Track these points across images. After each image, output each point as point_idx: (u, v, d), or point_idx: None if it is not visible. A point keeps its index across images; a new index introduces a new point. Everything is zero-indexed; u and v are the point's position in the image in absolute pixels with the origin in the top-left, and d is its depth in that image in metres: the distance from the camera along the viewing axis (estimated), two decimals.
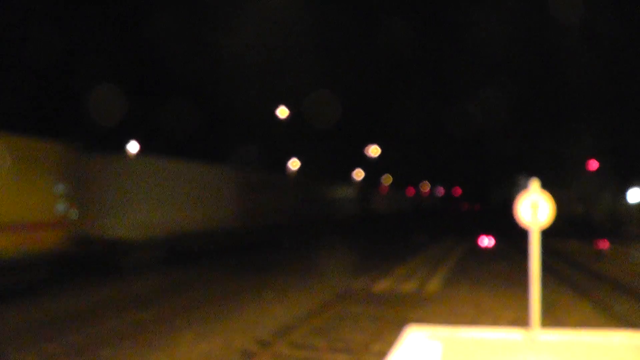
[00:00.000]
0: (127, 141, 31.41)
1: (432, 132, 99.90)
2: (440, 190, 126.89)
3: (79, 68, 30.92)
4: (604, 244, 29.08)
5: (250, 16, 41.30)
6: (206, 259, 23.43)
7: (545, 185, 5.61)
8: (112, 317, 12.47)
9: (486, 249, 28.21)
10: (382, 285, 16.80)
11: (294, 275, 19.08)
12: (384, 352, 8.36)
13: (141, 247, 20.66)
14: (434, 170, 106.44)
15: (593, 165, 42.76)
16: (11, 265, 15.10)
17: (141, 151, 30.10)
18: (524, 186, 5.70)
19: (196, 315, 12.73)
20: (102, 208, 19.62)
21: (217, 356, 9.50)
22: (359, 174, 62.75)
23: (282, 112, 41.03)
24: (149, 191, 21.16)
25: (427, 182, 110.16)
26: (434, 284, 16.76)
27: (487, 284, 16.69)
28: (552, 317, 11.36)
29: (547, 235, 5.75)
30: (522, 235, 6.10)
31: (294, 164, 45.72)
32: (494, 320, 11.58)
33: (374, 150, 63.29)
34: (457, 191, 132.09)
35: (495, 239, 30.47)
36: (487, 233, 31.78)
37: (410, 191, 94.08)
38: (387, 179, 79.15)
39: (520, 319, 10.90)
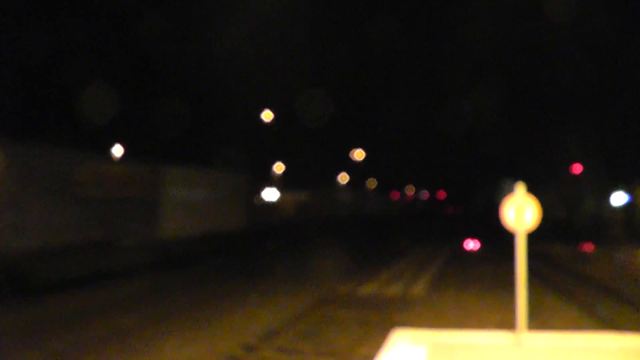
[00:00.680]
0: (112, 143, 31.22)
1: (417, 135, 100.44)
2: (425, 194, 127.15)
3: (65, 68, 30.64)
4: (589, 247, 29.33)
5: (233, 18, 41.26)
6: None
7: (531, 189, 5.61)
8: (97, 323, 12.29)
9: (471, 252, 28.32)
10: (368, 288, 16.77)
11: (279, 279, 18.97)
12: (369, 356, 8.31)
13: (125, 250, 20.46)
14: (418, 173, 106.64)
15: (577, 168, 43.13)
16: None
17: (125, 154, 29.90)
18: (509, 190, 5.70)
19: (181, 319, 12.62)
20: None
21: None
22: (343, 178, 62.77)
23: (267, 115, 40.93)
24: None
25: (412, 185, 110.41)
26: (419, 287, 16.76)
27: (472, 286, 16.71)
28: (538, 320, 11.36)
29: (532, 238, 5.74)
30: (507, 238, 6.09)
31: (278, 167, 45.60)
32: (480, 323, 11.57)
33: (358, 154, 63.33)
34: (442, 195, 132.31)
35: (480, 242, 30.57)
36: (472, 236, 31.89)
37: (395, 195, 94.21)
38: (371, 183, 79.27)
39: (506, 322, 10.91)
